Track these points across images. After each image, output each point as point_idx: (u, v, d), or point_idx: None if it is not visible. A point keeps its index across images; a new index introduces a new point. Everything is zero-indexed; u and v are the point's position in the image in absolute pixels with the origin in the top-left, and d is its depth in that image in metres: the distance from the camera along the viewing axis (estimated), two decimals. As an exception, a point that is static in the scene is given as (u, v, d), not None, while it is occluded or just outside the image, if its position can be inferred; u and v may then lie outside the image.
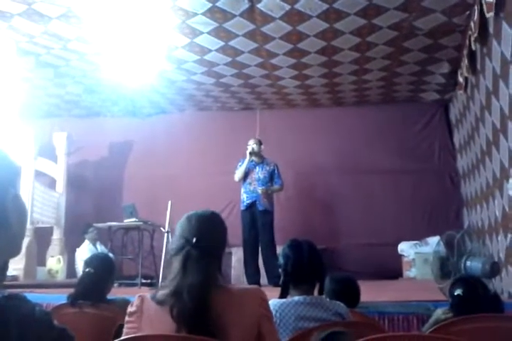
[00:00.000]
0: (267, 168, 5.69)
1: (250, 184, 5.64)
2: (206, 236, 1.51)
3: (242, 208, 5.65)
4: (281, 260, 2.01)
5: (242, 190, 5.69)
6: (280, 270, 2.00)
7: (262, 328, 1.44)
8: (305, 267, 1.95)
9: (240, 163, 5.77)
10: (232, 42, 5.21)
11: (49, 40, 5.21)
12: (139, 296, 1.47)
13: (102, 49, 5.39)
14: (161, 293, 1.41)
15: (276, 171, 5.70)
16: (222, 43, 5.23)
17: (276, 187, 5.69)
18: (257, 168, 5.69)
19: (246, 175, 5.68)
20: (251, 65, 5.79)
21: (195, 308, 1.34)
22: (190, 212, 1.61)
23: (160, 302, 1.40)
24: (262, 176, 5.64)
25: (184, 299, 1.35)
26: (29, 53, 5.54)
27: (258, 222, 5.52)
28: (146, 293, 1.50)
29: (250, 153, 5.67)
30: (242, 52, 5.46)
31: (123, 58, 5.50)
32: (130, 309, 1.46)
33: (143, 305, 1.44)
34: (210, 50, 5.41)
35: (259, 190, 5.52)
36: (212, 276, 1.43)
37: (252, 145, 5.72)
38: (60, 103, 7.26)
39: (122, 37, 5.03)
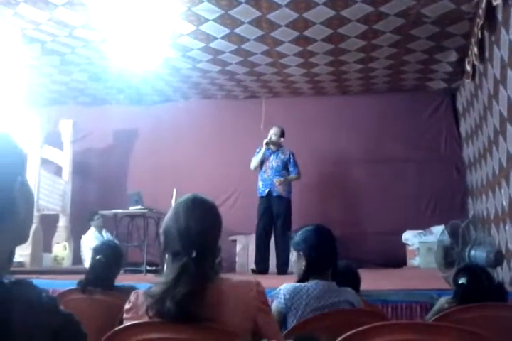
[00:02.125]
0: (282, 157, 5.70)
1: (265, 172, 5.68)
2: (206, 242, 1.45)
3: (259, 196, 5.70)
4: (302, 245, 2.00)
5: (259, 178, 5.74)
6: (299, 254, 1.99)
7: (259, 321, 1.42)
8: (327, 253, 2.00)
9: (257, 150, 5.80)
10: (237, 30, 5.17)
11: (55, 27, 5.19)
12: (134, 292, 1.47)
13: (107, 36, 5.37)
14: (154, 290, 1.38)
15: (291, 160, 5.71)
16: (227, 31, 5.19)
17: (292, 176, 5.69)
18: (272, 156, 5.72)
19: (262, 163, 5.72)
20: (257, 52, 5.76)
21: (178, 313, 1.31)
22: (187, 202, 1.51)
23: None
24: (275, 165, 5.66)
25: (167, 306, 1.32)
26: (35, 40, 5.53)
27: (274, 209, 5.55)
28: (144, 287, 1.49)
29: (267, 143, 5.69)
30: (248, 40, 5.42)
31: (128, 46, 5.48)
32: (126, 306, 1.45)
33: (137, 301, 1.44)
34: (215, 38, 5.38)
35: (276, 181, 5.55)
36: (204, 285, 1.37)
37: (271, 134, 5.74)
38: (65, 90, 7.26)
39: (128, 24, 5.01)
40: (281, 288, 1.90)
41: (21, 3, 4.69)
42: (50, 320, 0.76)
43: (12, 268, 0.83)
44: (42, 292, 0.78)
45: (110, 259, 2.56)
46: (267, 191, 5.60)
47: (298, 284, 1.92)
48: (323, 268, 1.98)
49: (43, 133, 6.45)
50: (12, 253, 0.83)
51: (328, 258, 2.00)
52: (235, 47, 5.60)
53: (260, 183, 5.70)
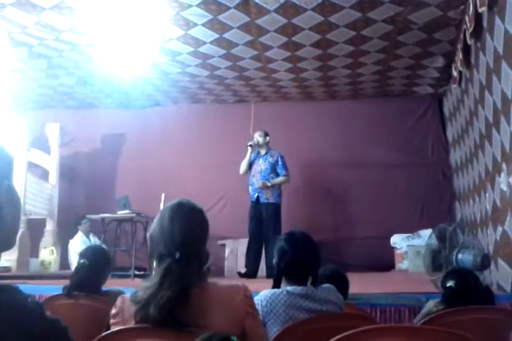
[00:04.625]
0: (270, 160, 5.70)
1: (254, 176, 5.69)
2: (190, 245, 1.44)
3: (250, 200, 5.71)
4: (275, 254, 1.97)
5: (249, 183, 5.74)
6: (273, 262, 1.98)
7: (246, 325, 1.42)
8: (301, 263, 1.92)
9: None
10: (226, 35, 5.18)
11: (42, 30, 5.16)
12: (120, 297, 1.47)
13: (95, 40, 5.35)
14: (139, 295, 1.38)
15: (280, 162, 5.70)
16: (216, 35, 5.20)
17: (279, 179, 5.66)
18: (261, 159, 5.72)
19: (251, 167, 5.73)
20: (245, 57, 5.77)
21: (162, 318, 1.32)
22: (173, 207, 1.53)
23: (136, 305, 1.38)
24: (263, 168, 5.66)
25: (151, 312, 1.32)
26: (22, 44, 5.49)
27: (263, 214, 5.55)
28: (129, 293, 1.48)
29: (251, 146, 5.69)
30: (237, 45, 5.43)
31: (116, 50, 5.45)
32: (113, 311, 1.45)
33: (124, 305, 1.43)
34: (204, 42, 5.38)
35: (256, 184, 5.55)
36: (188, 289, 1.37)
37: (256, 137, 5.77)
38: (52, 94, 7.21)
39: (116, 28, 4.99)
40: (258, 295, 1.87)
41: (8, 6, 4.66)
42: (36, 326, 0.75)
43: (-2, 273, 0.82)
44: (27, 297, 0.77)
45: (95, 263, 2.52)
46: (255, 196, 5.61)
47: (275, 290, 1.88)
48: (298, 278, 1.92)
49: (29, 137, 6.40)
50: (-2, 258, 0.82)
51: (301, 268, 1.93)
52: (223, 51, 5.61)
53: (250, 188, 5.71)
